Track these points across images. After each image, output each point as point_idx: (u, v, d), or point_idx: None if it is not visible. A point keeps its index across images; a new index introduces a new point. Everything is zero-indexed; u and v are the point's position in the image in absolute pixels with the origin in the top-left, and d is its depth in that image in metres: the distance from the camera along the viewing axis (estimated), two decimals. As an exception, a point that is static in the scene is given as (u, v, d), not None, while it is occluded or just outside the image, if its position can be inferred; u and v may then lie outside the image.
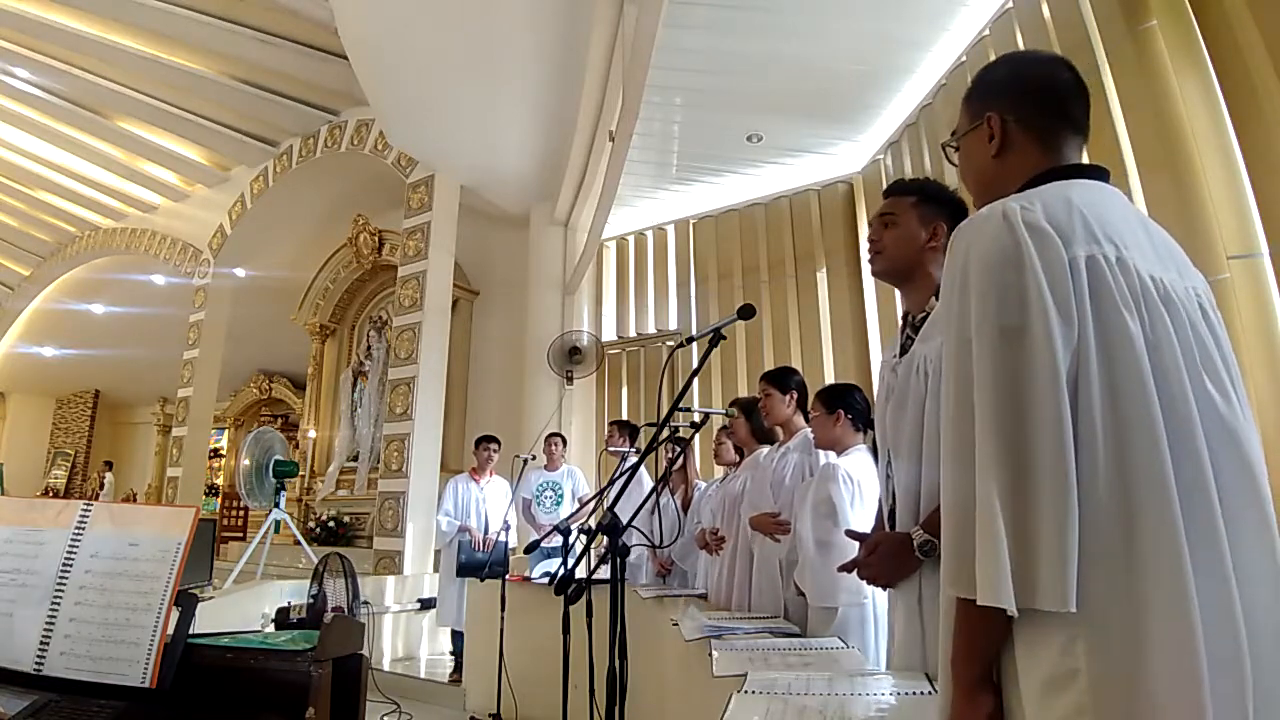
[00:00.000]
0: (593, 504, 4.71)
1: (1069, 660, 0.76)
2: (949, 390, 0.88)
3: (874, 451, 2.26)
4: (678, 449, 3.02)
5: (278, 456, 5.06)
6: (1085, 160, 1.05)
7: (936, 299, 1.52)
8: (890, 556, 1.47)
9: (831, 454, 2.31)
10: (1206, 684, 0.74)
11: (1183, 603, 0.75)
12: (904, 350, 1.55)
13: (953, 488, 0.84)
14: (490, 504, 4.97)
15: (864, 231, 5.63)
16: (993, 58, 4.00)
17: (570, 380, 6.77)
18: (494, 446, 5.11)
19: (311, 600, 2.30)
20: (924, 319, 1.53)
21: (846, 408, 2.25)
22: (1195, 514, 0.78)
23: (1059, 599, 0.75)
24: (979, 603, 0.77)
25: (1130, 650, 0.75)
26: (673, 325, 6.67)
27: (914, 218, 1.56)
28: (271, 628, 2.32)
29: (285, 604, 2.34)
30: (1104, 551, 0.77)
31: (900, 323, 1.63)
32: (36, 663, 1.18)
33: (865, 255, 1.69)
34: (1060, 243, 0.85)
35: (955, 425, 0.85)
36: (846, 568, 1.61)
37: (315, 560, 2.57)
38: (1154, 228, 0.96)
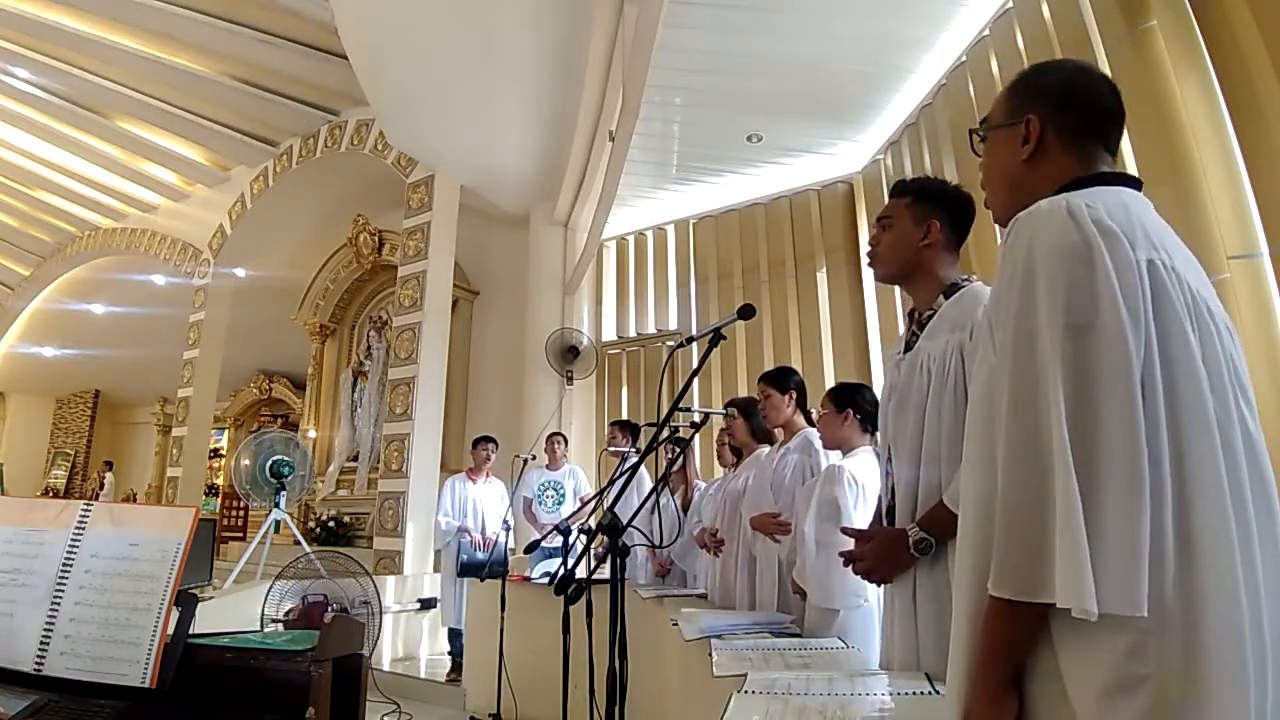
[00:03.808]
0: (593, 504, 4.71)
1: (1140, 665, 0.75)
2: (1000, 383, 0.86)
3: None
4: (677, 449, 3.02)
5: (276, 456, 5.05)
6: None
7: (945, 298, 1.51)
8: (885, 551, 1.48)
9: (836, 454, 2.30)
10: (1254, 693, 0.75)
11: (1236, 612, 0.76)
12: (909, 347, 1.55)
13: (1009, 482, 0.81)
14: (486, 504, 4.97)
15: (864, 231, 5.64)
16: (993, 58, 4.04)
17: (570, 380, 6.77)
18: (491, 446, 5.11)
19: (306, 601, 2.31)
20: (930, 316, 1.52)
21: (855, 407, 2.24)
22: (1239, 526, 0.79)
23: (1131, 603, 0.73)
24: (1059, 605, 0.74)
25: (1189, 658, 0.74)
26: (673, 325, 6.67)
27: (908, 218, 1.55)
28: (275, 628, 2.33)
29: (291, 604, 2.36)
30: (1164, 556, 0.76)
31: (906, 319, 1.63)
32: (36, 663, 1.18)
33: (866, 259, 1.69)
34: (1128, 244, 0.84)
35: (1014, 418, 0.82)
36: (844, 558, 1.62)
37: (316, 561, 2.58)
38: (1184, 244, 0.95)
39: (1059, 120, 1.01)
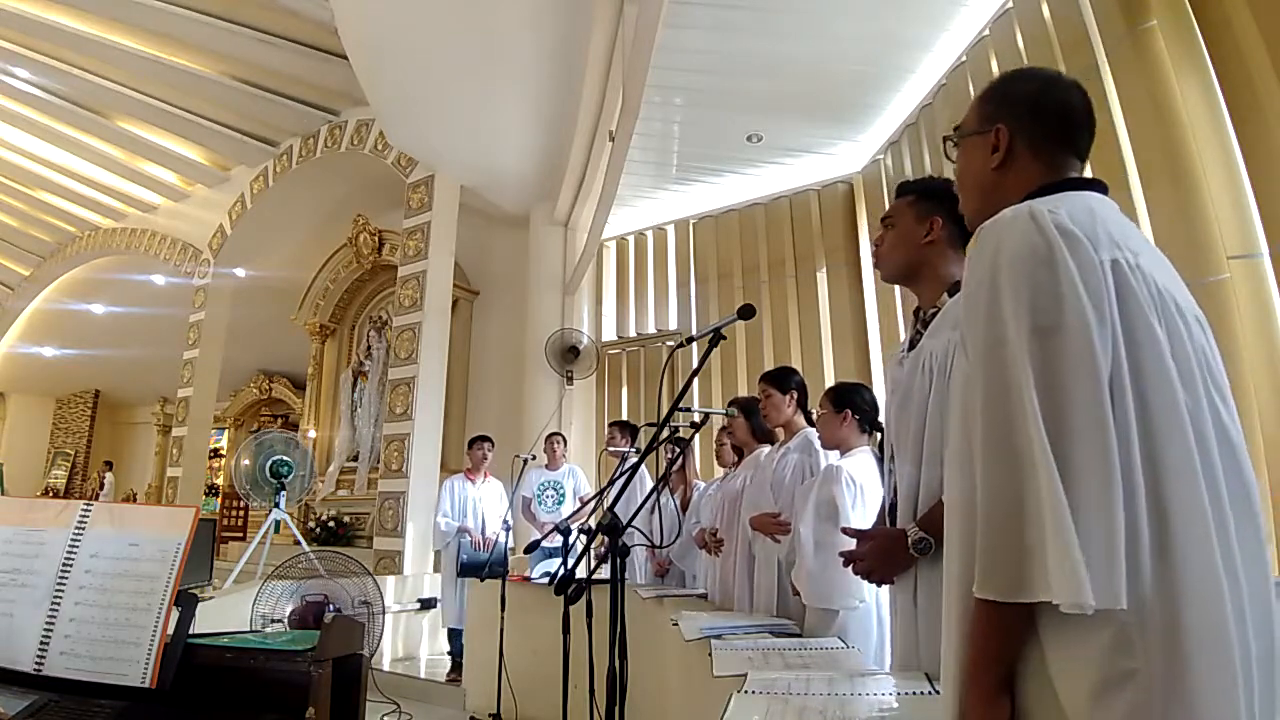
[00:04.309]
0: (593, 504, 4.71)
1: (1125, 660, 0.75)
2: (975, 389, 0.87)
3: (879, 453, 2.26)
4: (677, 449, 3.02)
5: (276, 456, 5.06)
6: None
7: (949, 295, 1.51)
8: (884, 552, 1.48)
9: (834, 454, 2.30)
10: (1240, 681, 0.75)
11: (1217, 601, 0.77)
12: (913, 345, 1.55)
13: (988, 486, 0.82)
14: (486, 504, 4.97)
15: (864, 231, 5.64)
16: (993, 58, 4.04)
17: (570, 380, 6.77)
18: (487, 446, 5.11)
19: (305, 601, 2.31)
20: (935, 314, 1.52)
21: (854, 407, 2.24)
22: (1215, 517, 0.80)
23: (1110, 596, 0.74)
24: (1054, 601, 0.75)
25: (1172, 649, 0.75)
26: (673, 325, 6.67)
27: (910, 216, 1.55)
28: (276, 627, 2.33)
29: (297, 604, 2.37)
30: (1140, 550, 0.77)
31: (912, 318, 1.63)
32: (36, 663, 1.18)
33: (866, 257, 1.69)
34: (1090, 245, 0.86)
35: (989, 423, 0.84)
36: (844, 558, 1.62)
37: (315, 560, 2.58)
38: (1153, 244, 0.98)
39: (1028, 129, 1.04)
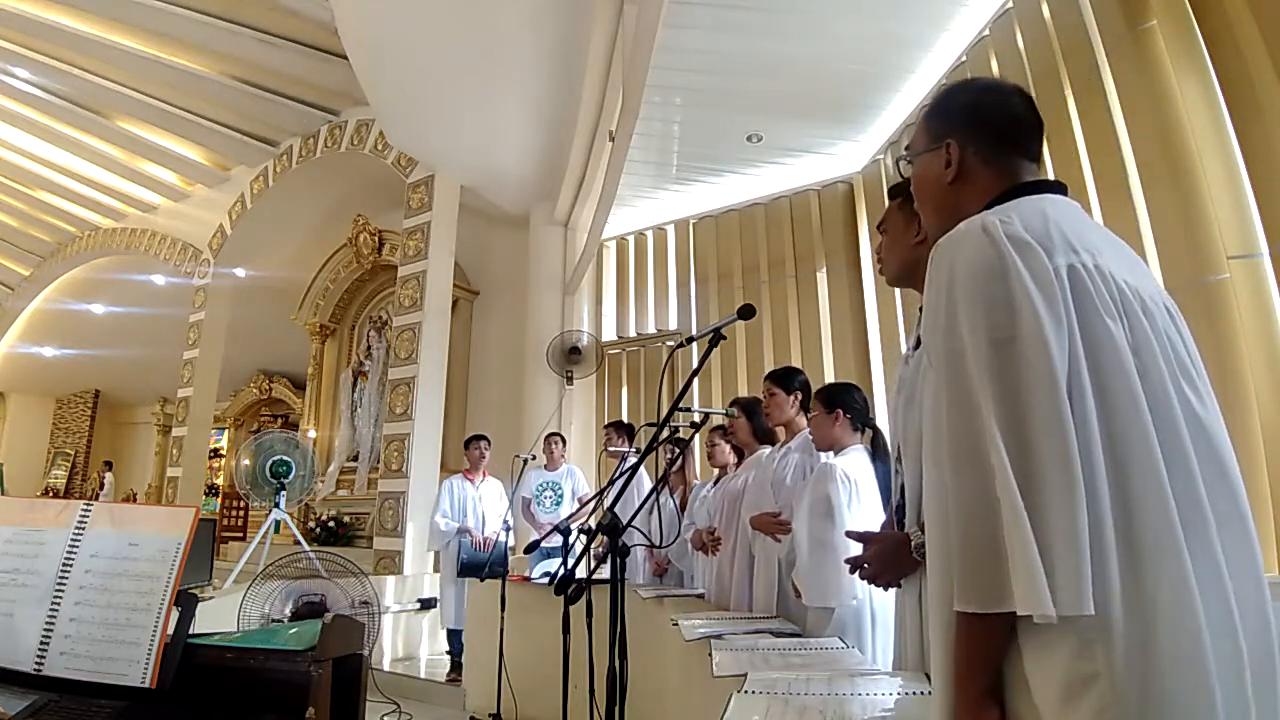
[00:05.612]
0: (592, 504, 4.71)
1: (1087, 664, 0.76)
2: (941, 403, 0.87)
3: (871, 450, 2.27)
4: (677, 449, 3.02)
5: (276, 456, 5.06)
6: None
7: None
8: (888, 555, 1.48)
9: (829, 454, 2.31)
10: (1215, 679, 0.75)
11: (1188, 601, 0.76)
12: (918, 344, 1.55)
13: (958, 500, 0.83)
14: (485, 504, 4.96)
15: (864, 232, 5.64)
16: (993, 58, 4.04)
17: (570, 380, 6.77)
18: (484, 445, 5.11)
19: (302, 604, 2.31)
20: None
21: (845, 407, 2.26)
22: (1188, 513, 0.79)
23: (1076, 603, 0.74)
24: (1019, 612, 0.76)
25: (1142, 650, 0.75)
26: (673, 325, 6.67)
27: (900, 219, 1.56)
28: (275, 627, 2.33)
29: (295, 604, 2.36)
30: (1105, 553, 0.77)
31: (917, 314, 1.63)
32: (36, 663, 1.18)
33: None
34: (1043, 252, 0.86)
35: (955, 437, 0.84)
36: (850, 564, 1.61)
37: (317, 562, 2.58)
38: (1116, 237, 0.98)
39: (975, 140, 1.04)
